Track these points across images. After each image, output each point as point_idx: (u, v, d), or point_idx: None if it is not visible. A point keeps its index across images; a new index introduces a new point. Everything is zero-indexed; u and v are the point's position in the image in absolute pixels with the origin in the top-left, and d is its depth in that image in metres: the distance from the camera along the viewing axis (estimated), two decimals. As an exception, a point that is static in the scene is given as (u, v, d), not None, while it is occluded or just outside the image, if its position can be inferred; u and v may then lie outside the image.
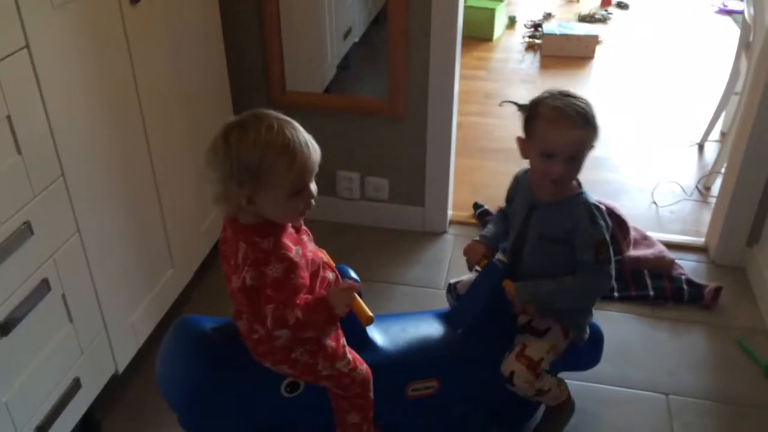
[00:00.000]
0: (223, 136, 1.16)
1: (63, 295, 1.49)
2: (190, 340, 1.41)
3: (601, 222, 1.50)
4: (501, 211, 1.71)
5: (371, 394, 1.43)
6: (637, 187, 2.88)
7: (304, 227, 1.32)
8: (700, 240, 2.51)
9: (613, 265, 1.51)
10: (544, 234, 1.53)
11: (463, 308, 1.65)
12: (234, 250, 1.23)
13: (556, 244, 1.52)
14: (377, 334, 1.54)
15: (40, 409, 1.46)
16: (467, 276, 1.73)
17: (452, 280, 1.78)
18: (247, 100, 2.40)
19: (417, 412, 1.59)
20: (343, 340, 1.40)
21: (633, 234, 2.44)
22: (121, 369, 1.75)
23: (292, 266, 1.19)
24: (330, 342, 1.36)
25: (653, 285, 2.26)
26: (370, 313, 1.33)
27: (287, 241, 1.22)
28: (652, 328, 2.12)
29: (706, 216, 2.59)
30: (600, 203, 2.53)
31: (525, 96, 1.53)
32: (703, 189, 2.85)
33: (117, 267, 1.69)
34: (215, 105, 2.19)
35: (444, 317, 1.66)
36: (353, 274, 1.48)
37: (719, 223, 2.37)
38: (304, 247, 1.27)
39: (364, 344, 1.49)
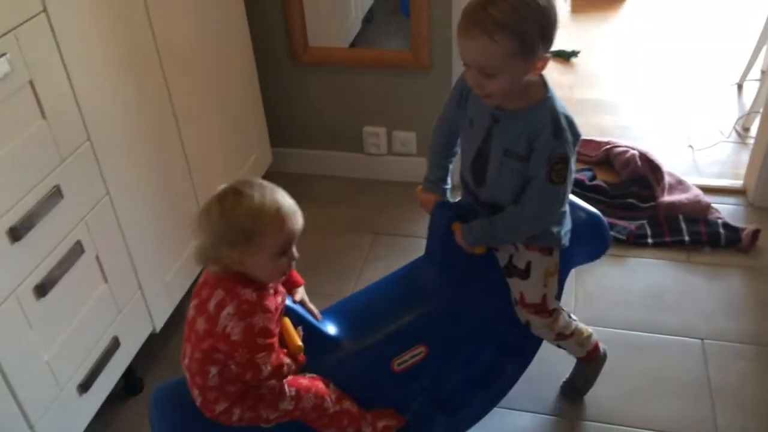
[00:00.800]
0: (217, 201, 1.22)
1: (97, 257, 1.53)
2: (166, 410, 1.37)
3: (568, 136, 1.28)
4: (441, 130, 1.49)
5: (332, 410, 1.39)
6: (673, 130, 2.81)
7: (281, 288, 1.34)
8: (738, 182, 2.44)
9: (568, 186, 1.32)
10: (509, 150, 1.31)
11: (425, 259, 1.55)
12: (208, 294, 1.25)
13: (521, 161, 1.31)
14: (337, 326, 1.45)
15: (82, 367, 1.51)
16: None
17: None
18: (270, 58, 2.39)
19: (414, 380, 1.49)
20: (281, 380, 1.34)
21: (667, 179, 2.39)
22: (158, 327, 1.80)
23: (273, 318, 1.25)
24: (266, 390, 1.32)
25: (688, 230, 2.21)
26: (300, 343, 1.30)
27: (266, 294, 1.27)
28: (687, 273, 2.09)
29: (745, 158, 2.51)
30: (634, 148, 2.54)
31: (556, 42, 1.28)
32: (741, 130, 2.76)
33: (148, 228, 1.72)
34: (237, 64, 2.19)
35: (408, 275, 1.56)
36: (289, 303, 1.39)
37: (758, 163, 2.30)
38: (277, 306, 1.30)
39: (324, 343, 1.41)
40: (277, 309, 1.29)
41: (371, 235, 2.32)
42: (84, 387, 1.51)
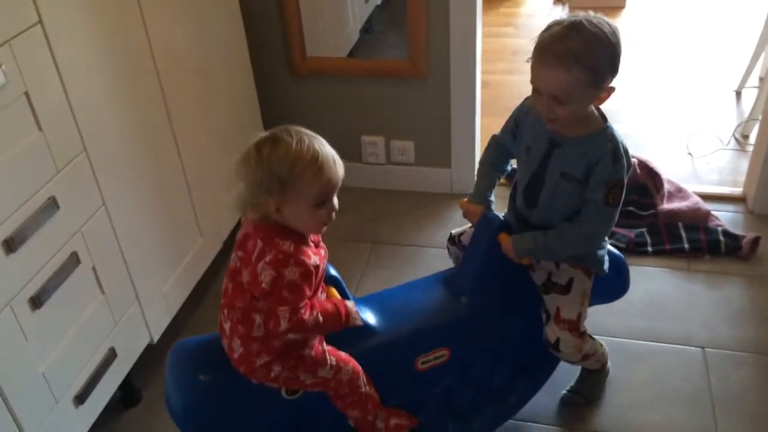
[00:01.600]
0: (255, 148, 1.21)
1: (93, 268, 1.52)
2: (184, 365, 1.40)
3: (624, 162, 1.39)
4: (493, 148, 1.60)
5: (363, 389, 1.41)
6: (672, 138, 2.80)
7: (322, 244, 1.34)
8: (738, 190, 2.44)
9: (618, 210, 1.41)
10: (566, 173, 1.41)
11: (463, 267, 1.60)
12: (252, 246, 1.26)
13: (577, 184, 1.40)
14: (374, 316, 1.49)
15: (78, 379, 1.50)
16: (468, 225, 1.65)
17: (454, 231, 1.71)
18: (268, 67, 2.39)
19: (432, 383, 1.54)
20: (323, 345, 1.37)
21: (667, 186, 2.39)
22: (156, 338, 1.79)
23: (308, 273, 1.24)
24: (309, 351, 1.33)
25: (688, 238, 2.20)
26: (358, 321, 1.37)
27: (306, 248, 1.26)
28: (687, 282, 2.08)
29: (744, 165, 2.51)
30: (633, 156, 2.51)
31: None
32: (740, 137, 2.76)
33: (145, 239, 1.72)
34: (235, 74, 2.19)
35: (445, 280, 1.60)
36: (333, 272, 1.46)
37: (757, 171, 2.29)
38: (320, 260, 1.30)
39: (360, 330, 1.43)
40: (319, 266, 1.27)
41: (370, 245, 2.31)
42: (80, 399, 1.50)
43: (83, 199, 1.48)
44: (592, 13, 1.31)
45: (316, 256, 1.27)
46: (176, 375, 1.40)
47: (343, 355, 1.39)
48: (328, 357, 1.35)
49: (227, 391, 1.36)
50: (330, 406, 1.42)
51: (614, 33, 1.30)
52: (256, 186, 1.21)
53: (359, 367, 1.40)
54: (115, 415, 1.76)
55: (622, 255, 1.69)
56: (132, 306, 1.68)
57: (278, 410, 1.39)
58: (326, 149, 1.22)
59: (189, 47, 1.87)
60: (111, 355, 1.60)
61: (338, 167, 1.23)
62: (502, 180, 1.67)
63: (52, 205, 1.37)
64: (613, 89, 1.35)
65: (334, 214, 1.26)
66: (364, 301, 1.52)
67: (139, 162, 1.68)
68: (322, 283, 1.38)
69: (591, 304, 1.59)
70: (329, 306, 1.32)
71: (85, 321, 1.51)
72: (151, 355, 1.82)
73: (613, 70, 1.32)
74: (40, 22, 1.31)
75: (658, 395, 1.73)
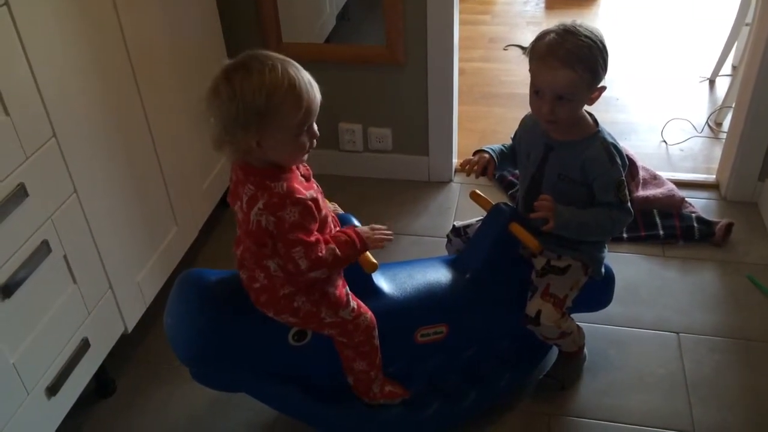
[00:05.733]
0: (225, 79, 1.13)
1: (65, 256, 1.49)
2: (195, 292, 1.41)
3: (619, 161, 1.48)
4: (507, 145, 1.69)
5: (376, 342, 1.43)
6: (647, 126, 2.83)
7: (313, 180, 1.32)
8: (711, 177, 2.47)
9: (629, 203, 1.50)
10: (562, 174, 1.51)
11: (471, 252, 1.64)
12: (243, 192, 1.23)
13: (574, 185, 1.50)
14: (385, 281, 1.53)
15: (50, 370, 1.47)
16: (475, 219, 1.71)
17: (458, 223, 1.76)
18: (242, 52, 2.35)
19: (426, 358, 1.60)
20: (346, 288, 1.40)
21: (642, 174, 2.40)
22: (130, 328, 1.76)
23: (307, 209, 1.20)
24: (333, 290, 1.35)
25: (663, 224, 2.22)
26: (374, 260, 1.37)
27: (298, 185, 1.23)
28: (662, 268, 2.10)
29: (717, 152, 2.54)
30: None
31: (531, 39, 1.48)
32: (713, 125, 2.79)
33: (119, 227, 1.69)
34: (209, 60, 2.15)
35: (452, 262, 1.65)
36: (356, 222, 1.47)
37: (730, 158, 2.32)
38: (316, 193, 1.28)
39: (371, 291, 1.49)
40: (317, 198, 1.24)
41: (347, 233, 2.30)
42: (52, 390, 1.47)
43: (53, 187, 1.44)
44: (577, 21, 1.41)
45: (310, 190, 1.24)
46: (184, 302, 1.40)
47: (362, 304, 1.40)
48: (350, 300, 1.36)
49: (235, 327, 1.38)
50: (330, 360, 1.45)
51: (602, 36, 1.41)
52: (230, 122, 1.13)
53: (375, 320, 1.41)
54: (90, 406, 1.73)
55: (612, 270, 1.73)
56: (105, 295, 1.65)
57: (281, 354, 1.42)
58: (302, 73, 1.16)
59: (161, 31, 1.83)
60: (84, 345, 1.57)
61: (315, 90, 1.17)
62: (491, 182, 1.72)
63: (21, 192, 1.33)
64: (603, 88, 1.45)
65: (315, 140, 1.21)
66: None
67: (112, 148, 1.64)
68: (334, 219, 1.37)
69: (573, 310, 1.62)
70: (341, 236, 1.29)
71: (57, 311, 1.48)
72: (125, 345, 1.80)
73: (605, 69, 1.43)
74: (6, 3, 1.27)
75: (633, 380, 1.75)
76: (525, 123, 1.62)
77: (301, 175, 1.29)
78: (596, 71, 1.40)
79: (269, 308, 1.34)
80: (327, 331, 1.39)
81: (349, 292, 1.40)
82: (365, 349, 1.42)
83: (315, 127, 1.21)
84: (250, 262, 1.31)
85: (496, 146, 1.65)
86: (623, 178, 1.49)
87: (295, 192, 1.19)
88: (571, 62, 1.37)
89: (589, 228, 1.50)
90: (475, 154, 1.62)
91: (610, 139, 1.49)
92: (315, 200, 1.24)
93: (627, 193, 1.49)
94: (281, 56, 1.17)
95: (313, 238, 1.22)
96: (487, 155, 1.61)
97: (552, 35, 1.40)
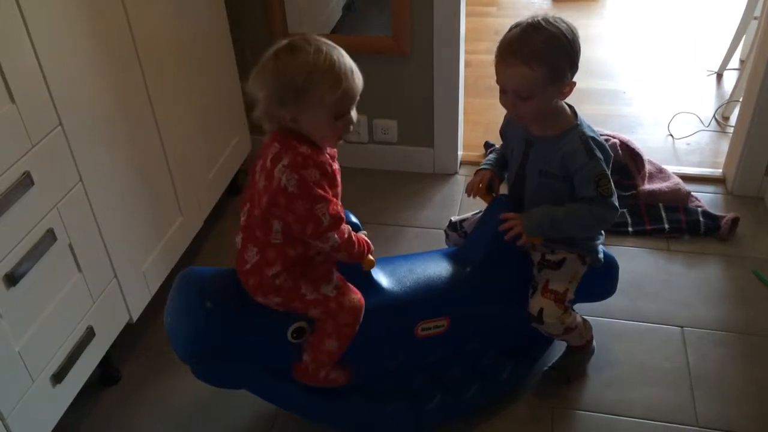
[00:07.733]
0: (273, 56, 1.20)
1: (70, 245, 1.49)
2: (194, 291, 1.40)
3: (599, 154, 1.44)
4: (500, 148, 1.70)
5: (357, 327, 1.41)
6: (653, 120, 2.81)
7: (337, 162, 1.34)
8: (718, 171, 2.46)
9: (616, 197, 1.47)
10: (544, 170, 1.49)
11: (471, 245, 1.64)
12: (267, 152, 1.27)
13: (556, 180, 1.48)
14: (385, 276, 1.53)
15: (55, 358, 1.47)
16: (472, 213, 1.71)
17: (454, 218, 1.76)
18: (249, 44, 2.35)
19: (428, 351, 1.60)
20: (333, 269, 1.39)
21: (648, 167, 2.39)
22: (135, 317, 1.77)
23: (327, 174, 1.25)
24: (314, 266, 1.35)
25: (668, 218, 2.22)
26: (372, 258, 1.39)
27: (324, 155, 1.27)
28: (667, 262, 2.09)
29: (724, 147, 2.52)
30: (615, 136, 2.54)
31: None
32: (721, 119, 2.78)
33: (124, 216, 1.69)
34: (215, 51, 2.15)
35: (452, 256, 1.65)
36: (354, 219, 1.47)
37: (737, 152, 2.31)
38: (336, 173, 1.31)
39: (371, 286, 1.48)
40: (336, 175, 1.28)
41: (352, 224, 2.30)
42: (58, 378, 1.48)
43: (59, 175, 1.44)
44: (550, 14, 1.37)
45: (329, 165, 1.27)
46: (183, 300, 1.41)
47: (353, 286, 1.40)
48: (333, 276, 1.37)
49: (234, 324, 1.38)
50: None
51: (571, 31, 1.37)
52: (271, 96, 1.20)
53: (363, 302, 1.40)
54: (94, 394, 1.74)
55: (615, 259, 1.72)
56: (110, 284, 1.65)
57: (279, 351, 1.42)
58: (345, 59, 1.21)
59: (168, 21, 1.83)
60: (89, 334, 1.58)
61: (357, 78, 1.23)
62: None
63: (26, 180, 1.33)
64: (574, 84, 1.41)
65: (351, 127, 1.26)
66: (377, 262, 1.53)
67: (118, 137, 1.64)
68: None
69: (575, 301, 1.61)
70: (352, 233, 1.35)
71: (62, 299, 1.48)
72: (130, 334, 1.80)
73: (573, 65, 1.38)
74: (13, -10, 1.27)
75: (637, 374, 1.75)
76: (508, 119, 1.60)
77: (327, 154, 1.32)
78: (557, 68, 1.36)
79: (257, 292, 1.34)
80: (311, 312, 1.37)
81: (336, 271, 1.39)
82: (346, 330, 1.39)
83: (354, 116, 1.25)
84: (254, 223, 1.30)
85: (491, 157, 1.66)
86: (605, 171, 1.45)
87: (319, 155, 1.24)
88: (527, 59, 1.33)
89: (565, 224, 1.48)
90: (475, 174, 1.64)
91: (590, 133, 1.46)
92: (335, 171, 1.28)
93: (611, 188, 1.45)
94: (330, 42, 1.23)
95: (332, 198, 1.26)
96: (487, 172, 1.61)
97: (515, 30, 1.37)
